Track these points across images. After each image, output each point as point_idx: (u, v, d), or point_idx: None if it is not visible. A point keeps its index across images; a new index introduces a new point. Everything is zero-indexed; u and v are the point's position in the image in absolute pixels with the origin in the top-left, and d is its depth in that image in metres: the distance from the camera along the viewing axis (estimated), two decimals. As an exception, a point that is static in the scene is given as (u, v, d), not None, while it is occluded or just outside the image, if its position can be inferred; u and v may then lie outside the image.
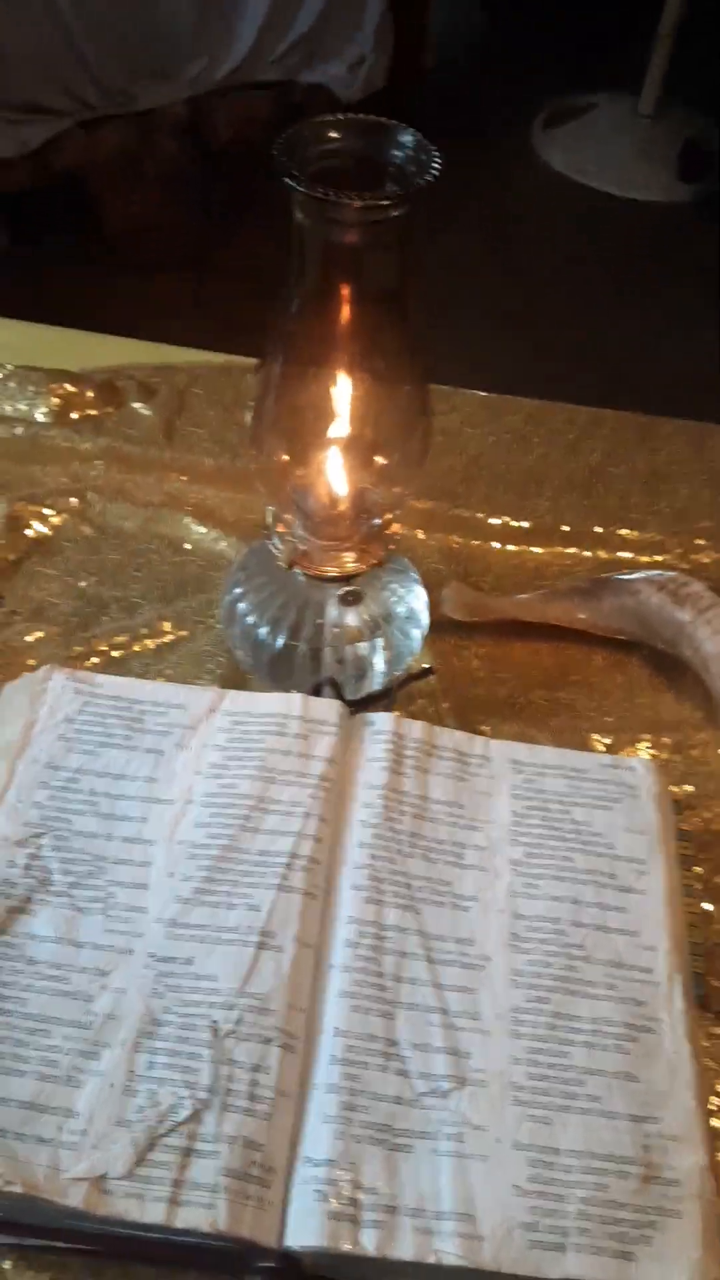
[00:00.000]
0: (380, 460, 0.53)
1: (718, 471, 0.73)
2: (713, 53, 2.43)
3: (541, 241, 2.11)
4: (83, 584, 0.62)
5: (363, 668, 0.56)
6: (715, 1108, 0.45)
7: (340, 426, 0.52)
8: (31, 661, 0.58)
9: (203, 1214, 0.36)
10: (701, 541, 0.68)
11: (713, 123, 2.32)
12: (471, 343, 1.82)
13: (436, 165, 0.43)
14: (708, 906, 0.51)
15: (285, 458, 0.53)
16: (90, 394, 0.71)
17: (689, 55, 2.22)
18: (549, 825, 0.50)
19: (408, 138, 0.44)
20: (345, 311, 0.47)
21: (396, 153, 0.44)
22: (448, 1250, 0.36)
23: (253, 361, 0.51)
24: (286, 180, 0.42)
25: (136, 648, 0.59)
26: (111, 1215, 0.36)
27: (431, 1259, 0.36)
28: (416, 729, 0.52)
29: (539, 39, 2.56)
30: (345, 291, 0.47)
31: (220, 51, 1.86)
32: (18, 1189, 0.37)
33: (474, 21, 2.63)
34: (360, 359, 0.49)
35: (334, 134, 0.45)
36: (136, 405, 0.72)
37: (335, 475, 0.53)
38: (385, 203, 0.42)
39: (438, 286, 1.90)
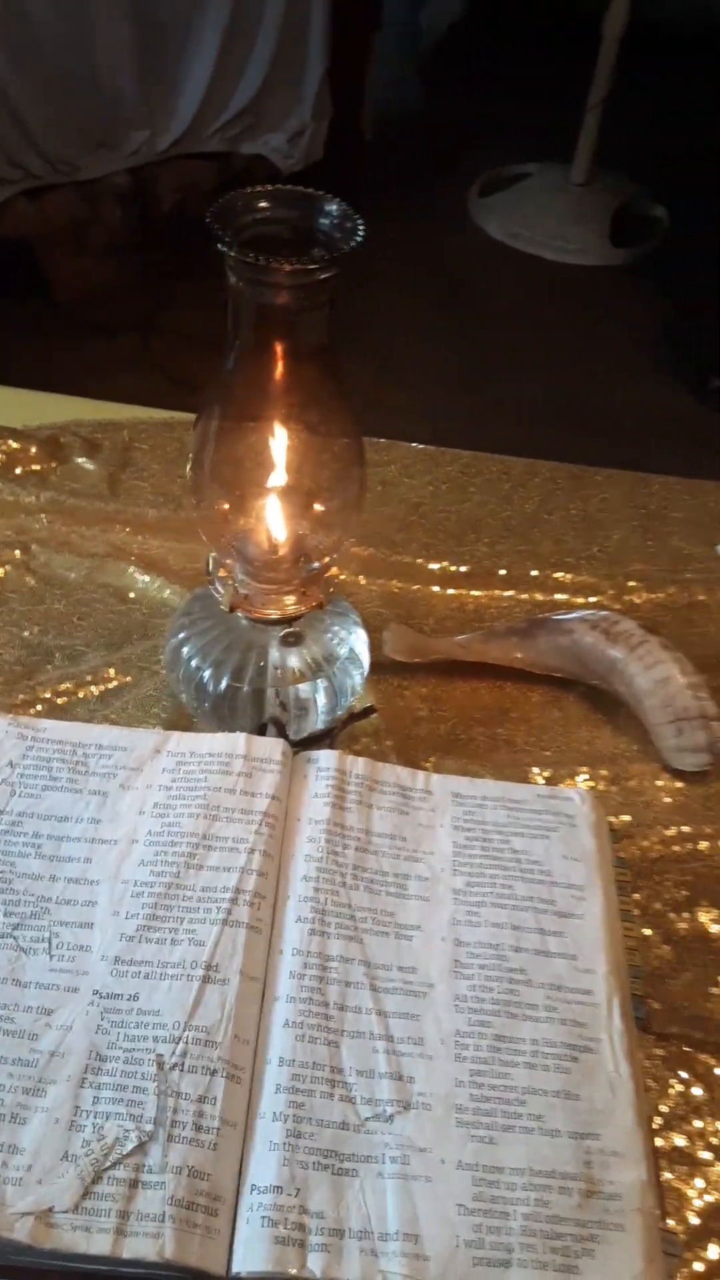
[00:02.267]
0: (318, 507, 0.55)
1: (648, 517, 0.75)
2: (641, 122, 2.53)
3: (481, 302, 2.17)
4: (26, 634, 0.63)
5: (305, 708, 0.57)
6: (658, 1126, 0.46)
7: (277, 475, 0.53)
8: (-24, 710, 0.58)
9: (150, 1244, 0.36)
10: (633, 583, 0.70)
11: (643, 189, 2.41)
12: (415, 397, 1.86)
13: (361, 232, 0.45)
14: (647, 932, 0.52)
15: (225, 506, 0.54)
16: (34, 450, 0.73)
17: (618, 125, 2.31)
18: (489, 855, 0.51)
19: (333, 207, 0.47)
20: (278, 367, 0.49)
21: (324, 220, 0.47)
22: (394, 1271, 0.37)
23: (194, 417, 0.53)
24: (219, 246, 0.44)
25: (81, 694, 0.60)
26: (58, 1248, 0.36)
27: (378, 1279, 0.37)
28: (359, 765, 0.53)
29: (473, 110, 2.65)
30: (278, 348, 0.49)
31: (162, 123, 1.90)
32: (-37, 1227, 0.37)
33: (410, 94, 2.72)
34: (294, 411, 0.51)
35: (264, 203, 0.47)
36: (80, 460, 0.73)
37: (274, 522, 0.55)
38: (312, 267, 0.44)
39: (382, 343, 1.95)
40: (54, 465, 0.73)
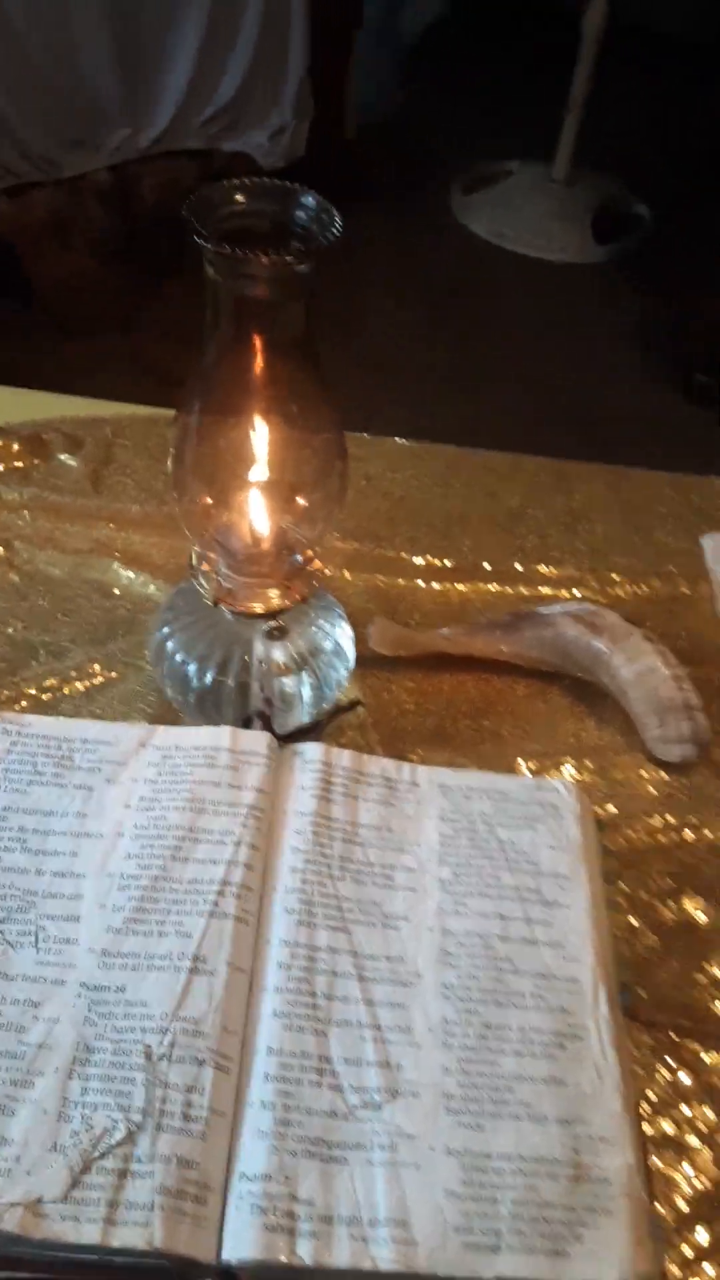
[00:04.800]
0: (301, 501, 0.55)
1: (632, 511, 0.76)
2: (621, 120, 2.54)
3: (466, 301, 2.17)
4: (10, 630, 0.63)
5: (290, 702, 0.57)
6: (646, 1113, 0.46)
7: (259, 469, 0.53)
8: (-40, 707, 0.58)
9: (139, 1233, 0.37)
10: (617, 576, 0.70)
11: (624, 186, 2.42)
12: (401, 396, 1.86)
13: (338, 225, 0.45)
14: (633, 920, 0.53)
15: (207, 500, 0.54)
16: (16, 447, 0.73)
17: (599, 122, 2.32)
18: (476, 845, 0.51)
19: (309, 200, 0.47)
20: (257, 360, 0.49)
21: (300, 213, 0.47)
22: (383, 1256, 0.37)
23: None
24: (197, 239, 0.44)
25: (66, 690, 0.60)
26: (48, 1238, 0.36)
27: (368, 1265, 0.37)
28: (345, 757, 0.53)
29: (455, 109, 2.65)
30: (257, 341, 0.49)
31: (143, 121, 1.90)
32: (-49, 1219, 0.37)
33: (392, 92, 2.72)
34: (274, 404, 0.51)
35: (240, 196, 0.47)
36: (63, 457, 0.73)
37: (257, 516, 0.55)
38: (289, 259, 0.44)
39: (368, 344, 1.95)
40: (36, 462, 0.73)
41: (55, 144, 1.83)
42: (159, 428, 0.76)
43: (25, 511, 0.69)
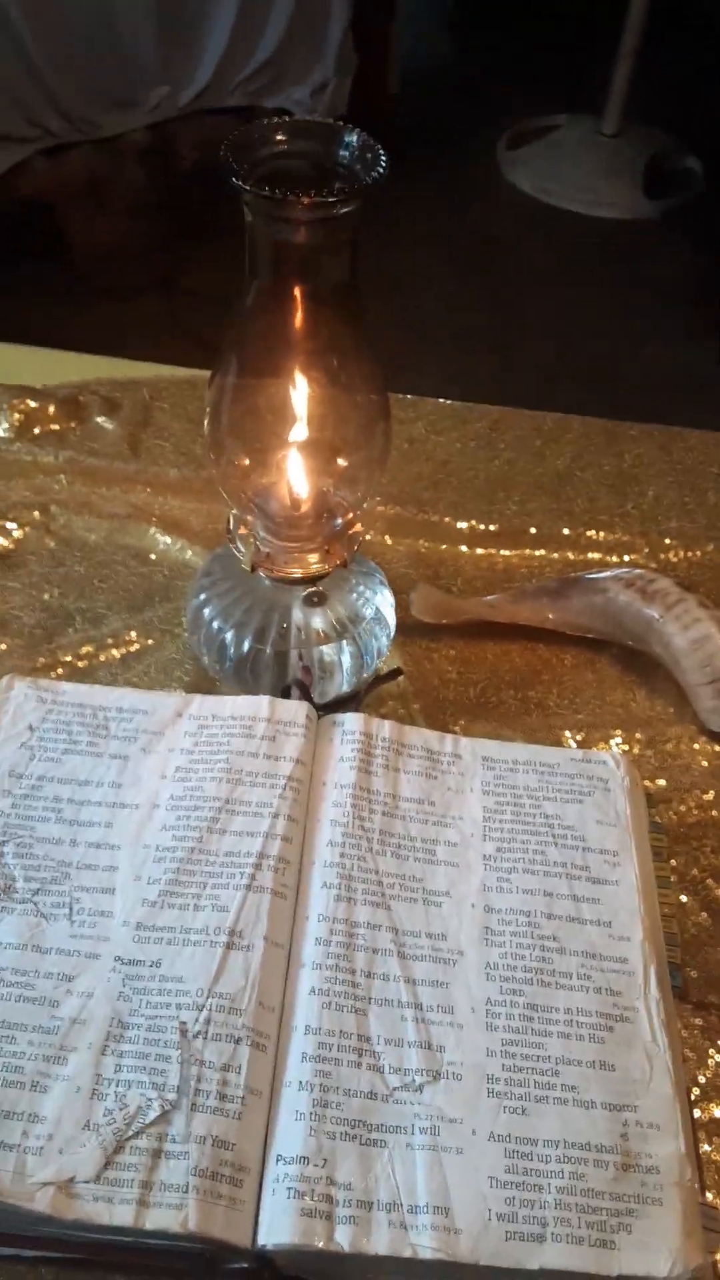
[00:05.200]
0: (342, 462, 0.53)
1: (685, 473, 0.73)
2: (673, 71, 2.47)
3: (510, 260, 2.13)
4: (46, 596, 0.62)
5: (329, 670, 0.55)
6: (696, 1098, 0.44)
7: (298, 429, 0.51)
8: (-6, 674, 0.57)
9: (172, 1215, 0.36)
10: (669, 541, 0.68)
11: (675, 139, 2.35)
12: (444, 358, 1.83)
13: (383, 164, 0.43)
14: (684, 898, 0.51)
15: (245, 461, 0.53)
16: (52, 409, 0.71)
17: (650, 74, 2.25)
18: (520, 820, 0.49)
19: (353, 138, 0.44)
20: (298, 313, 0.47)
21: (343, 153, 0.45)
22: (424, 1244, 0.36)
23: (213, 373, 0.51)
24: (234, 180, 0.42)
25: (103, 658, 0.59)
26: (80, 1219, 0.36)
27: (407, 1253, 0.36)
28: (386, 728, 0.52)
29: (502, 62, 2.59)
30: (297, 292, 0.47)
31: (183, 78, 1.87)
32: (-17, 1197, 0.36)
33: (437, 47, 2.66)
34: (315, 360, 0.49)
35: (281, 135, 0.45)
36: (100, 420, 0.72)
37: (296, 477, 0.53)
38: (332, 200, 0.42)
39: (410, 304, 1.92)
40: (73, 425, 0.71)
41: (93, 104, 1.81)
42: (197, 390, 0.74)
43: (62, 475, 0.68)
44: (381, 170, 0.43)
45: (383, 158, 0.43)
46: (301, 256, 0.45)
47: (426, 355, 1.80)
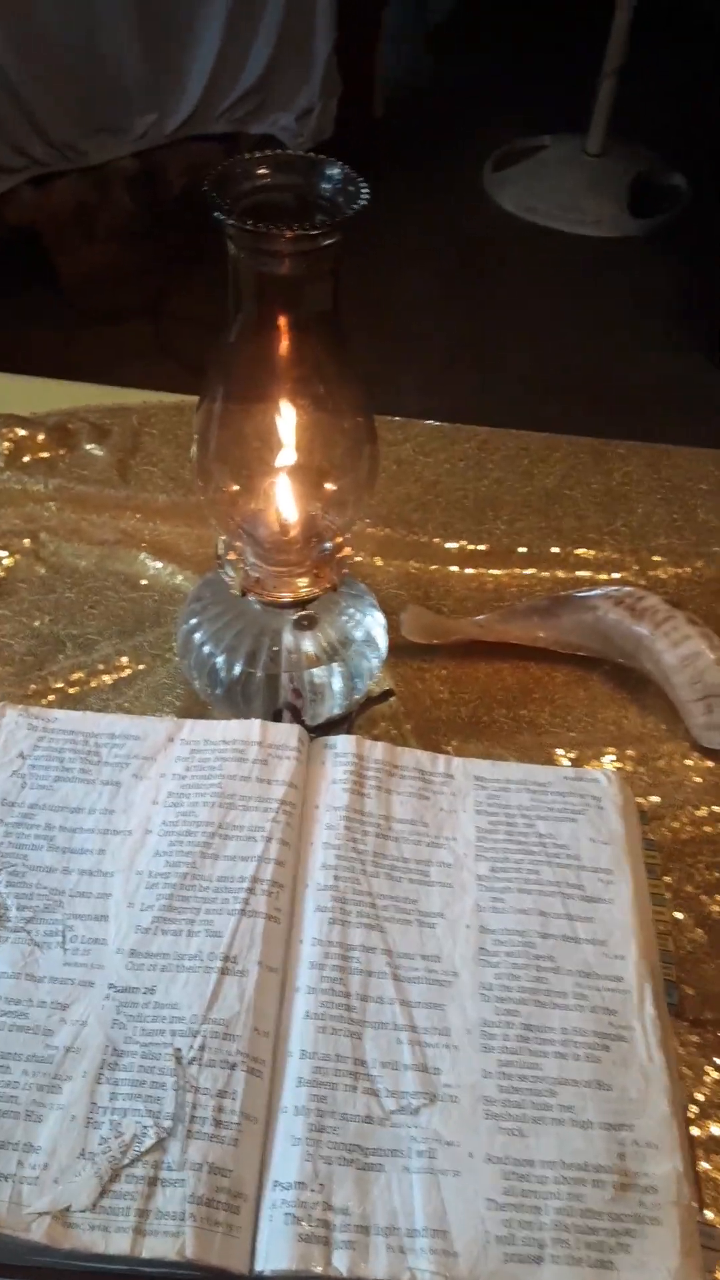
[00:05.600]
0: (329, 486, 0.53)
1: (673, 490, 0.74)
2: (656, 90, 2.49)
3: (496, 279, 2.14)
4: (37, 623, 0.62)
5: (320, 693, 0.56)
6: (693, 1115, 0.44)
7: (286, 454, 0.52)
8: (-13, 702, 0.57)
9: (169, 1243, 0.36)
10: (658, 558, 0.68)
11: (660, 157, 2.37)
12: (431, 377, 1.84)
13: (364, 195, 0.44)
14: (679, 915, 0.51)
15: (233, 487, 0.53)
16: (42, 437, 0.72)
17: (633, 94, 2.27)
18: (514, 839, 0.50)
19: (335, 170, 0.45)
20: (282, 340, 0.48)
21: (325, 185, 0.45)
22: (422, 1268, 0.36)
23: (201, 399, 0.51)
24: (217, 215, 0.42)
25: (94, 684, 0.59)
26: (76, 1248, 0.35)
27: (406, 1277, 0.36)
28: (378, 750, 0.52)
29: (485, 83, 2.61)
30: (281, 321, 0.47)
31: (169, 105, 1.89)
32: (-21, 1228, 0.36)
33: (420, 69, 2.69)
34: (300, 386, 0.50)
35: (263, 169, 0.45)
36: (89, 447, 0.72)
37: (284, 502, 0.54)
38: (314, 232, 0.42)
39: (397, 324, 1.93)
40: (63, 452, 0.72)
41: (80, 131, 1.82)
42: (186, 415, 0.75)
43: (52, 503, 0.69)
44: (363, 201, 0.43)
45: (364, 190, 0.44)
46: (285, 287, 0.45)
47: (413, 375, 1.81)
